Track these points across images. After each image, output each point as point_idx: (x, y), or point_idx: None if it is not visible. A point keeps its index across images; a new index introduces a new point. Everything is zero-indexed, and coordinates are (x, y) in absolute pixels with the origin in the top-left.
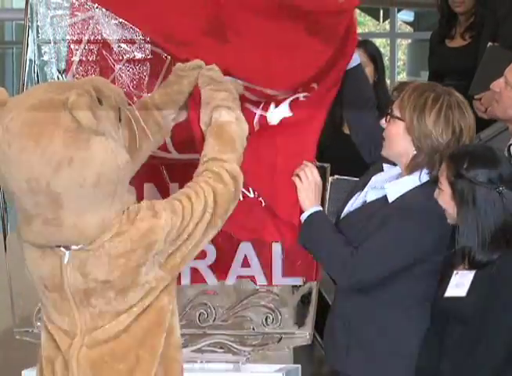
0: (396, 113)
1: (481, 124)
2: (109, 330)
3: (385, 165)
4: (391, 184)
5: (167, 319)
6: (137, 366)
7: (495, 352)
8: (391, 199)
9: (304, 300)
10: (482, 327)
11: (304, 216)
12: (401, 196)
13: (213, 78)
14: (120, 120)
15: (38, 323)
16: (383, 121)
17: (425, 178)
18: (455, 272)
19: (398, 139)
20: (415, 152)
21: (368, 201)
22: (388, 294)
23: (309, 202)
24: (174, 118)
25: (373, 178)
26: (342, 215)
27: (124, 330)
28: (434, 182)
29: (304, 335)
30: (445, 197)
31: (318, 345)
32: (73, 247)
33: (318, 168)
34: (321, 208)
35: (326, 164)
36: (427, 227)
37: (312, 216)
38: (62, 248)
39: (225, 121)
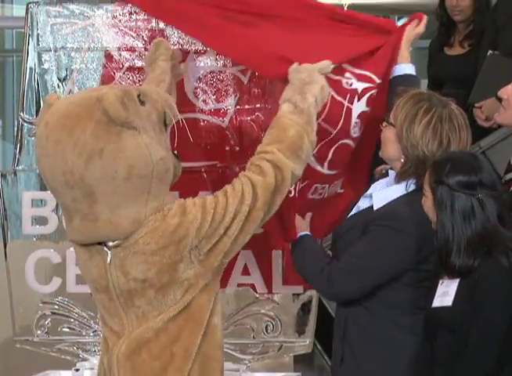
0: (390, 118)
1: (482, 132)
2: (150, 329)
3: (390, 171)
4: (378, 193)
5: (205, 318)
6: (171, 363)
7: (484, 360)
8: (375, 207)
9: (305, 308)
10: (470, 335)
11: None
12: (385, 204)
13: (303, 81)
14: (165, 124)
15: (38, 332)
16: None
17: (412, 187)
18: (440, 281)
19: (390, 144)
20: (403, 160)
21: (360, 209)
22: (378, 303)
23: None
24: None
25: (372, 185)
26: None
27: (164, 328)
28: (420, 190)
29: (304, 343)
30: (427, 204)
31: (318, 353)
32: (110, 243)
33: None
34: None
35: None
36: (407, 235)
37: (303, 237)
38: (105, 248)
39: (283, 113)
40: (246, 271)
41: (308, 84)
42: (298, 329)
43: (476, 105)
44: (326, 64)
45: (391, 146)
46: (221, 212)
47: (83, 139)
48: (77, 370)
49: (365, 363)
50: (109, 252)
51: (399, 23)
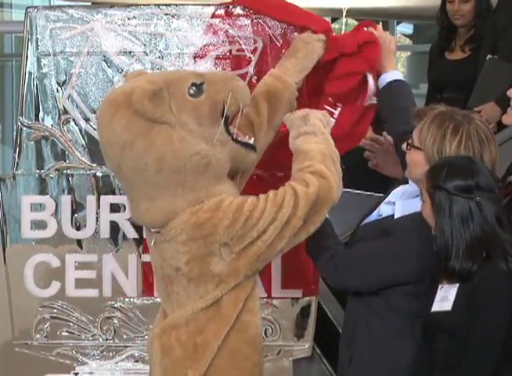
0: (416, 143)
1: None
2: (183, 317)
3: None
4: (402, 202)
5: (233, 316)
6: (192, 353)
7: (483, 364)
8: (396, 215)
9: (304, 312)
10: (469, 340)
11: None
12: (408, 214)
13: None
14: (224, 116)
15: (38, 336)
16: (404, 146)
17: None
18: (440, 286)
19: (419, 166)
20: None
21: (383, 216)
22: (384, 307)
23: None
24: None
25: (392, 192)
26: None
27: (193, 319)
28: None
29: (303, 347)
30: (426, 209)
31: (317, 358)
32: (152, 230)
33: None
34: None
35: None
36: (423, 248)
37: None
38: (154, 232)
39: (299, 145)
40: None
41: (308, 115)
42: (297, 333)
43: (475, 109)
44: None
45: (420, 168)
46: (257, 216)
47: (118, 129)
48: (77, 374)
49: (371, 369)
50: (154, 237)
51: (398, 28)
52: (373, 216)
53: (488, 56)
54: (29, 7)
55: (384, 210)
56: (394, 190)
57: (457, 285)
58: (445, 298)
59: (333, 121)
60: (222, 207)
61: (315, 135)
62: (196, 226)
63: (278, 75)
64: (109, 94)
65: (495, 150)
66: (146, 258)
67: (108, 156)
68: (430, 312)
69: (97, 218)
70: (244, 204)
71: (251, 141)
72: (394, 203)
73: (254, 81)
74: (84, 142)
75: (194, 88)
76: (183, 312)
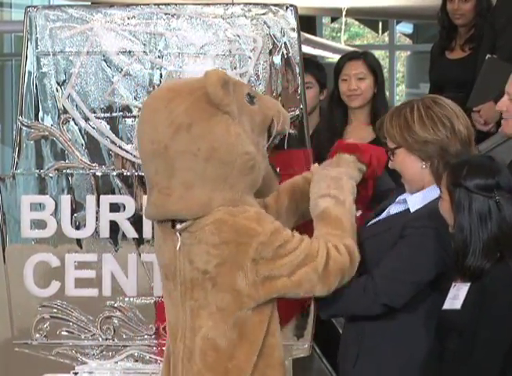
0: (391, 145)
1: (480, 136)
2: (205, 339)
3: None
4: (412, 196)
5: (260, 339)
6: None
7: (488, 365)
8: (412, 209)
9: (303, 311)
10: (476, 339)
11: None
12: (422, 206)
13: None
14: (269, 133)
15: (37, 335)
16: (391, 164)
17: None
18: (453, 284)
19: (406, 163)
20: (424, 166)
21: (391, 213)
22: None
23: None
24: None
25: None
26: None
27: (219, 342)
28: None
29: (303, 347)
30: (445, 206)
31: (317, 357)
32: (178, 226)
33: None
34: None
35: None
36: (445, 233)
37: None
38: (176, 233)
39: (327, 206)
40: None
41: (341, 180)
42: (297, 332)
43: (474, 109)
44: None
45: (408, 165)
46: (289, 250)
47: (177, 111)
48: (76, 373)
49: (383, 364)
50: (179, 237)
51: (398, 28)
52: (384, 215)
53: (488, 56)
54: (28, 6)
55: (394, 209)
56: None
57: (469, 284)
58: (456, 296)
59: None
60: (263, 223)
61: (343, 204)
62: (233, 230)
63: (308, 177)
64: (161, 86)
65: (462, 114)
66: (145, 257)
67: (152, 137)
68: (441, 310)
69: (97, 217)
70: (283, 232)
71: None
72: (404, 200)
73: (254, 81)
74: (83, 142)
75: (248, 97)
76: (204, 325)
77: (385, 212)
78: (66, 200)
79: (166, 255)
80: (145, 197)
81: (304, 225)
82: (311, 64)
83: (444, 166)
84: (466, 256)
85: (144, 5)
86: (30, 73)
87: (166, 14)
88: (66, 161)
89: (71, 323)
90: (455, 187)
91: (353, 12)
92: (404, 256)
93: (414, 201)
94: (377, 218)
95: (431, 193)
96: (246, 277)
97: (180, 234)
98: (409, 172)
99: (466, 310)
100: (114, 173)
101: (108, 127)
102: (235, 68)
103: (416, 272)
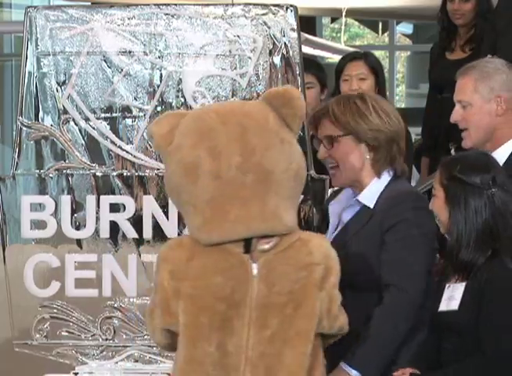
0: (335, 132)
1: None
2: (283, 358)
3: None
4: (362, 194)
5: (323, 360)
6: None
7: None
8: (371, 204)
9: None
10: (475, 339)
11: None
12: (379, 198)
13: None
14: None
15: (37, 336)
16: (325, 152)
17: (387, 177)
18: (447, 285)
19: (350, 153)
20: (368, 157)
21: (347, 220)
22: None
23: None
24: None
25: (333, 203)
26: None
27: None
28: (399, 176)
29: None
30: (438, 203)
31: None
32: (265, 246)
33: (316, 180)
34: None
35: (325, 176)
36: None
37: None
38: (249, 260)
39: None
40: None
41: None
42: None
43: None
44: None
45: (352, 153)
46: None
47: (268, 125)
48: (76, 373)
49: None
50: (254, 264)
51: (398, 28)
52: (340, 226)
53: (488, 56)
54: (28, 7)
55: (346, 216)
56: (334, 201)
57: (464, 284)
58: (451, 297)
59: None
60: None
61: None
62: (320, 251)
63: None
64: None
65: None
66: (145, 258)
67: (242, 152)
68: (438, 312)
69: (97, 218)
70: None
71: None
72: (354, 203)
73: (254, 81)
74: (83, 142)
75: None
76: (284, 361)
77: (341, 222)
78: (66, 200)
79: (228, 285)
80: (145, 197)
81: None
82: (311, 64)
83: (387, 157)
84: (459, 250)
85: (144, 5)
86: (30, 73)
87: (166, 14)
88: (67, 162)
89: (71, 324)
90: (449, 181)
91: (353, 13)
92: (409, 249)
93: (368, 197)
94: (337, 231)
95: (381, 183)
96: (323, 301)
97: (256, 260)
98: (350, 161)
99: (464, 310)
100: (114, 173)
101: (108, 127)
102: (235, 68)
103: (425, 255)
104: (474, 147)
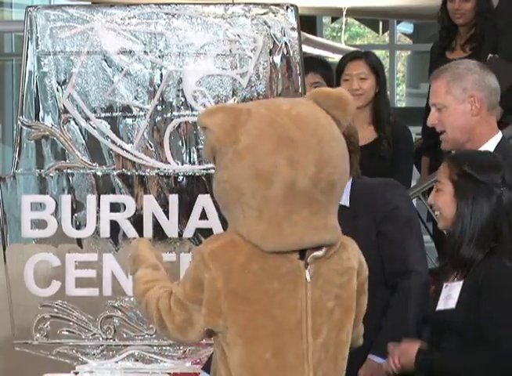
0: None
1: None
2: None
3: None
4: None
5: None
6: None
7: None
8: (346, 203)
9: None
10: (474, 338)
11: None
12: (351, 196)
13: None
14: None
15: (38, 335)
16: None
17: None
18: (444, 284)
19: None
20: None
21: None
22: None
23: None
24: None
25: None
26: None
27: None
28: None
29: None
30: (444, 197)
31: None
32: (317, 253)
33: None
34: None
35: None
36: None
37: None
38: (303, 267)
39: None
40: None
41: None
42: None
43: None
44: None
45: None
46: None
47: (334, 132)
48: (77, 373)
49: None
50: (307, 271)
51: (398, 27)
52: None
53: (490, 56)
54: (29, 6)
55: None
56: None
57: (461, 282)
58: (449, 296)
59: None
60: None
61: None
62: (355, 256)
63: None
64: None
65: None
66: None
67: (318, 161)
68: (435, 311)
69: (97, 217)
70: None
71: None
72: None
73: (254, 81)
74: (84, 142)
75: None
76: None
77: None
78: (66, 199)
79: (284, 290)
80: (145, 197)
81: None
82: (319, 63)
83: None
84: (461, 246)
85: (144, 4)
86: (30, 72)
87: (166, 14)
88: (67, 161)
89: (72, 323)
90: (461, 177)
91: (353, 12)
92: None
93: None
94: None
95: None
96: (363, 306)
97: (308, 265)
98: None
99: (461, 308)
100: (115, 173)
101: (108, 127)
102: (235, 68)
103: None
104: (453, 149)
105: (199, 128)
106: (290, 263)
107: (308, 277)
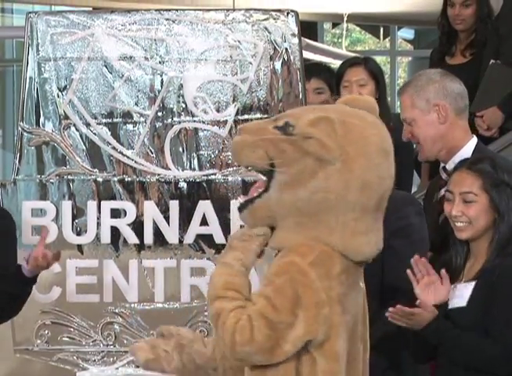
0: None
1: (483, 141)
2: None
3: None
4: None
5: None
6: None
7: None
8: None
9: None
10: (484, 335)
11: None
12: None
13: None
14: None
15: (38, 341)
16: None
17: None
18: (452, 286)
19: None
20: None
21: None
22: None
23: None
24: None
25: None
26: None
27: None
28: None
29: None
30: (479, 209)
31: None
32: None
33: None
34: None
35: None
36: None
37: None
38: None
39: None
40: None
41: None
42: None
43: (477, 114)
44: None
45: None
46: None
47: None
48: None
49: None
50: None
51: (399, 33)
52: None
53: (491, 61)
54: (30, 12)
55: None
56: None
57: (473, 283)
58: (460, 295)
59: None
60: None
61: None
62: None
63: None
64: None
65: None
66: (146, 263)
67: (392, 172)
68: (447, 310)
69: (98, 223)
70: None
71: None
72: None
73: (255, 87)
74: (84, 148)
75: None
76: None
77: None
78: (67, 205)
79: (357, 299)
80: (146, 203)
81: None
82: (323, 69)
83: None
84: (492, 256)
85: (145, 10)
86: (31, 78)
87: (167, 20)
88: (67, 167)
89: (72, 329)
90: (494, 187)
91: (354, 18)
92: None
93: None
94: None
95: None
96: None
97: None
98: None
99: (473, 306)
100: (115, 179)
101: (109, 133)
102: (236, 74)
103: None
104: (429, 159)
105: (200, 133)
106: (358, 271)
107: (362, 284)
